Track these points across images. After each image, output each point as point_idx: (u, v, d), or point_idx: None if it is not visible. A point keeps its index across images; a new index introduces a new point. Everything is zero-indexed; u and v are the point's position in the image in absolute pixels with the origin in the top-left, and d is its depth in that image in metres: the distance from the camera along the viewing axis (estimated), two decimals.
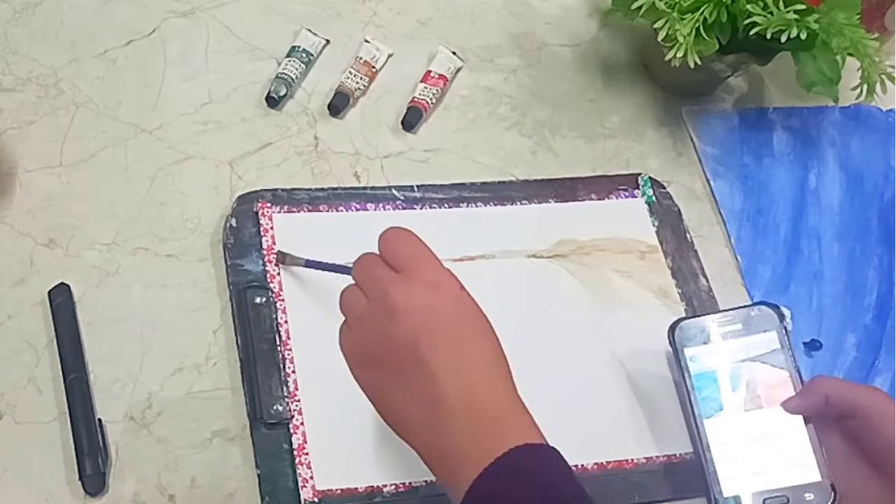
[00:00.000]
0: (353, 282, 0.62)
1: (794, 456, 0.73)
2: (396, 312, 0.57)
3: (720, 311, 0.79)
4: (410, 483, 0.71)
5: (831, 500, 0.71)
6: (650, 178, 0.91)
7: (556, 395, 0.76)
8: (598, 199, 0.88)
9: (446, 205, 0.84)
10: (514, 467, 0.54)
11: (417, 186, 0.85)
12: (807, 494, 0.72)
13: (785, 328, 0.77)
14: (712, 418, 0.74)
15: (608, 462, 0.75)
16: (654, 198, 0.90)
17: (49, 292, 0.73)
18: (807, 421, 0.73)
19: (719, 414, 0.75)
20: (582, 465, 0.74)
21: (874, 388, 0.75)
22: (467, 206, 0.85)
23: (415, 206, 0.84)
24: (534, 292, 0.82)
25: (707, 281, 0.86)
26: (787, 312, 0.84)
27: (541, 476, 0.54)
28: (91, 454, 0.67)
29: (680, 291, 0.85)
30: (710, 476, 0.73)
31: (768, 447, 0.73)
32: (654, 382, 0.80)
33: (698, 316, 0.79)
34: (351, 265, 0.63)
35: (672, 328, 0.78)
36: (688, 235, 0.89)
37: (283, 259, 0.77)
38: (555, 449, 0.56)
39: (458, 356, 0.56)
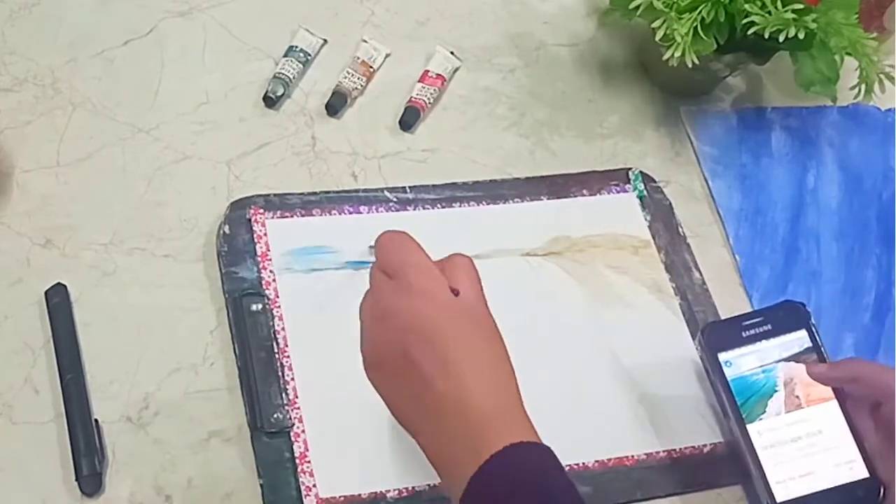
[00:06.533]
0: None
1: (841, 454, 0.72)
2: (386, 318, 0.58)
3: (748, 313, 0.78)
4: (413, 488, 0.71)
5: (881, 495, 0.71)
6: (641, 172, 0.90)
7: (555, 394, 0.76)
8: (590, 195, 0.88)
9: (439, 205, 0.84)
10: (504, 467, 0.54)
11: (410, 188, 0.84)
12: (858, 491, 0.71)
13: (814, 326, 0.76)
14: (755, 423, 0.73)
15: (609, 459, 0.75)
16: (644, 192, 0.89)
17: (46, 292, 0.73)
18: (845, 414, 0.72)
19: (762, 418, 0.73)
20: (583, 463, 0.74)
21: None
22: (460, 206, 0.84)
23: (408, 208, 0.83)
24: (529, 291, 0.82)
25: (700, 274, 0.86)
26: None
27: (529, 475, 0.54)
28: (88, 455, 0.67)
29: (674, 285, 0.85)
30: (759, 482, 0.72)
31: (814, 447, 0.73)
32: (651, 377, 0.79)
33: (727, 318, 0.78)
34: None
35: (702, 332, 0.77)
36: (680, 229, 0.88)
37: None
38: (546, 447, 0.56)
39: (447, 360, 0.56)
